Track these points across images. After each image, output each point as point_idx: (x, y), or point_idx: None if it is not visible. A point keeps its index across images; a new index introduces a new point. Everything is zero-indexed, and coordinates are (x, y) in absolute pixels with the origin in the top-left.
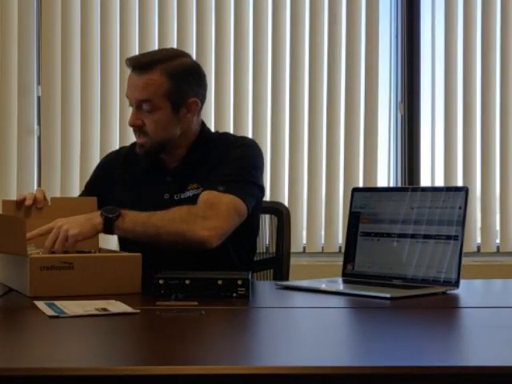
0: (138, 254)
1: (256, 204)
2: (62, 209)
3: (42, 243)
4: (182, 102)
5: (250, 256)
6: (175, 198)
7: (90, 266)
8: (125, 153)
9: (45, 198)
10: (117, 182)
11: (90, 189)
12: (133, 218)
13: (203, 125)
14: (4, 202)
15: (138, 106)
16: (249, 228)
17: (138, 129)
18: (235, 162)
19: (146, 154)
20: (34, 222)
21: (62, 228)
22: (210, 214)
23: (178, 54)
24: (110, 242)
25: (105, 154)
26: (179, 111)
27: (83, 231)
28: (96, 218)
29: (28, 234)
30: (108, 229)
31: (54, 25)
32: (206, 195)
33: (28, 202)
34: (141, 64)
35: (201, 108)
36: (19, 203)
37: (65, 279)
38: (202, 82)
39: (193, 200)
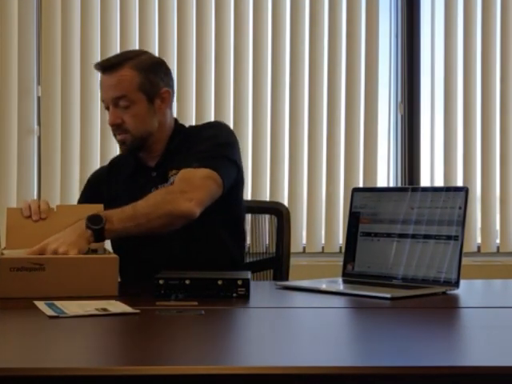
0: (115, 256)
1: (237, 185)
2: (68, 217)
3: None
4: (156, 93)
5: (241, 242)
6: (159, 187)
7: (61, 268)
8: (110, 163)
9: (49, 208)
10: (107, 194)
11: None
12: (120, 217)
13: (176, 121)
14: (9, 209)
15: (114, 104)
16: (235, 211)
17: (118, 127)
18: (208, 140)
19: (128, 150)
20: (41, 231)
21: (59, 251)
22: (186, 188)
23: (143, 52)
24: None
25: (105, 154)
26: (154, 103)
27: (81, 248)
28: (85, 232)
29: (20, 252)
30: (99, 238)
31: (53, 25)
32: (182, 173)
33: (35, 218)
34: (110, 64)
35: (172, 100)
36: (26, 216)
37: (35, 280)
38: (169, 74)
39: None
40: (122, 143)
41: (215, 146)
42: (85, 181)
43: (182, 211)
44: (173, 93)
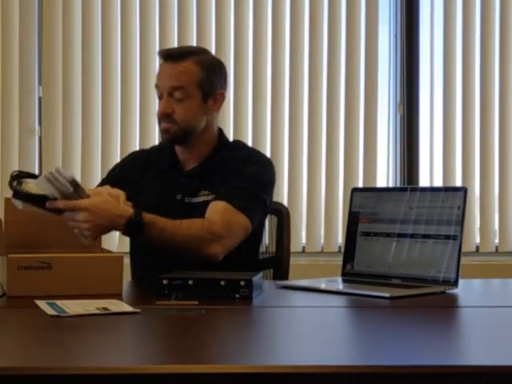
0: (119, 255)
1: (261, 219)
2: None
3: None
4: (211, 93)
5: (253, 262)
6: (186, 200)
7: (68, 266)
8: (147, 154)
9: None
10: (134, 183)
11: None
12: (157, 234)
13: (221, 132)
14: (7, 200)
15: (169, 93)
16: (253, 240)
17: (167, 117)
18: (251, 178)
19: (170, 139)
20: (39, 222)
21: (83, 226)
22: (225, 234)
23: (206, 50)
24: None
25: (106, 154)
26: (207, 102)
27: (102, 235)
28: (119, 227)
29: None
30: (127, 236)
31: (55, 25)
32: (223, 208)
33: None
34: (176, 54)
35: (223, 103)
36: None
37: (43, 279)
38: (226, 78)
39: (202, 206)
40: (165, 131)
41: (256, 185)
42: (85, 181)
43: (210, 255)
44: (224, 96)
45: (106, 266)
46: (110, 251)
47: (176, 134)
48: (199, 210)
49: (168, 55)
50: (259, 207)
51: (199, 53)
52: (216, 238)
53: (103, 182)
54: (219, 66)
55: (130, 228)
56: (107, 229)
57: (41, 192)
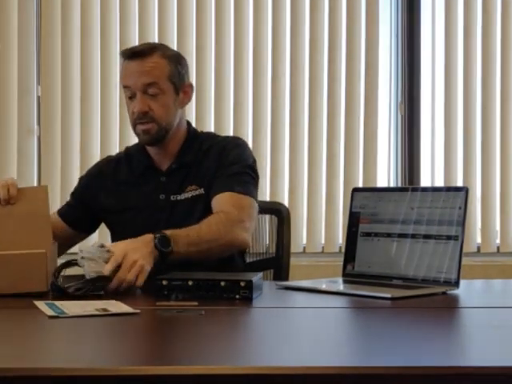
0: (43, 251)
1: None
2: (21, 202)
3: None
4: (181, 85)
5: (241, 263)
6: (171, 198)
7: None
8: (115, 160)
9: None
10: (108, 190)
11: (78, 197)
12: (185, 241)
13: (189, 124)
14: None
15: (143, 91)
16: None
17: (145, 115)
18: (238, 162)
19: (152, 140)
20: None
21: (139, 263)
22: (243, 217)
23: (166, 44)
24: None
25: (105, 153)
26: (179, 95)
27: (151, 265)
28: (154, 251)
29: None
30: (163, 259)
31: (53, 25)
32: (229, 197)
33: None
34: (142, 50)
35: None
36: None
37: None
38: (188, 71)
39: (191, 201)
40: (145, 132)
41: (246, 167)
42: None
43: (241, 242)
44: (193, 88)
45: (28, 262)
46: None
47: (157, 133)
48: (187, 206)
49: (135, 53)
50: (255, 185)
51: (162, 47)
52: (238, 224)
53: (72, 197)
54: (183, 57)
55: (162, 244)
56: (151, 259)
57: (94, 274)
